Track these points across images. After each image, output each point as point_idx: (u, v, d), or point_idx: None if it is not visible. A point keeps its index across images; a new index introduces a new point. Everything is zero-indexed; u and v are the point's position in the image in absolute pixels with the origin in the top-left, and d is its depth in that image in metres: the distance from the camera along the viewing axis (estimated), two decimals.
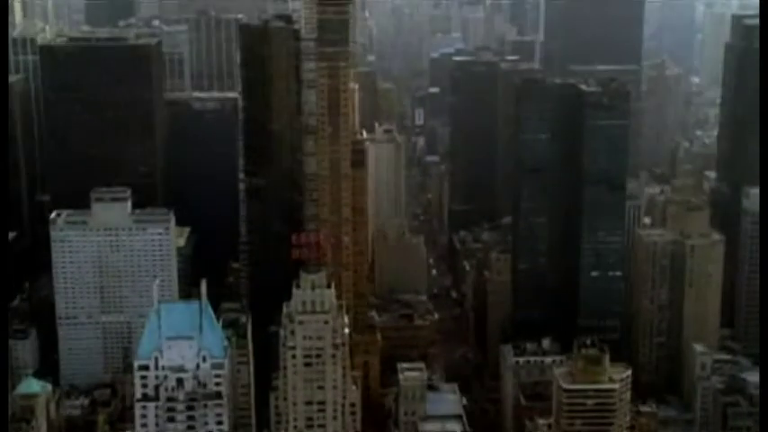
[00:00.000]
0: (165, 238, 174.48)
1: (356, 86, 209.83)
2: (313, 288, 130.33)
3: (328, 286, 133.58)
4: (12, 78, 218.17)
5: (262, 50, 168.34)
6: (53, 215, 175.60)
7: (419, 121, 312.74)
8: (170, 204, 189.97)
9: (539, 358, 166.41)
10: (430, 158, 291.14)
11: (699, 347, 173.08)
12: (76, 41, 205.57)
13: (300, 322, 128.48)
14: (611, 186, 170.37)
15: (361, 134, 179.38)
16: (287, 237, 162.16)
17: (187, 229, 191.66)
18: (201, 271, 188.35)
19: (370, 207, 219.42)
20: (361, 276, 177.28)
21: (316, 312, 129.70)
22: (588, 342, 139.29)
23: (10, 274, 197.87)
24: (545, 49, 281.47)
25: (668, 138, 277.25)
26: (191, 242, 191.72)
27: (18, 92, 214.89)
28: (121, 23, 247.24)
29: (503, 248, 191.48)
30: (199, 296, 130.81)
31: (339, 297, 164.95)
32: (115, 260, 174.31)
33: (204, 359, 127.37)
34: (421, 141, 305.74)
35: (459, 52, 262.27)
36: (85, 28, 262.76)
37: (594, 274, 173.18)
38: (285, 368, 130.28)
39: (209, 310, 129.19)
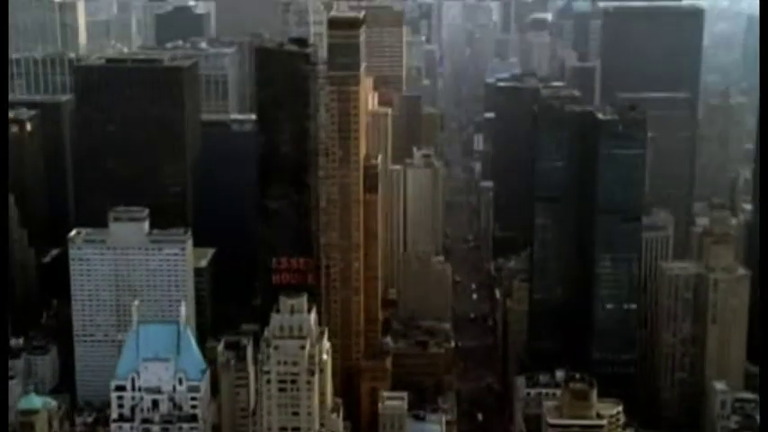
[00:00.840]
0: (180, 258, 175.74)
1: (389, 110, 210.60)
2: (292, 312, 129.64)
3: (312, 311, 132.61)
4: (62, 98, 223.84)
5: (275, 73, 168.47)
6: (73, 233, 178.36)
7: (478, 146, 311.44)
8: (199, 224, 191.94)
9: (550, 390, 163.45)
10: (484, 184, 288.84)
11: (720, 385, 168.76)
12: (112, 62, 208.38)
13: (276, 347, 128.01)
14: (625, 217, 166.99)
15: (375, 158, 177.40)
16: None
17: (212, 250, 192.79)
18: (224, 291, 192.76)
19: (407, 232, 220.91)
20: (373, 301, 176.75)
21: (293, 337, 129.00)
22: (577, 376, 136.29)
23: (39, 292, 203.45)
24: (603, 74, 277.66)
25: (731, 168, 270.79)
26: (214, 262, 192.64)
27: (68, 112, 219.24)
28: (169, 45, 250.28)
29: (524, 277, 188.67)
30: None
31: (347, 322, 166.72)
32: (131, 279, 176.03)
33: (180, 381, 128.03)
34: (478, 166, 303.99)
35: (511, 78, 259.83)
36: (136, 48, 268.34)
37: (609, 306, 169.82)
38: (260, 393, 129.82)
39: (188, 332, 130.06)
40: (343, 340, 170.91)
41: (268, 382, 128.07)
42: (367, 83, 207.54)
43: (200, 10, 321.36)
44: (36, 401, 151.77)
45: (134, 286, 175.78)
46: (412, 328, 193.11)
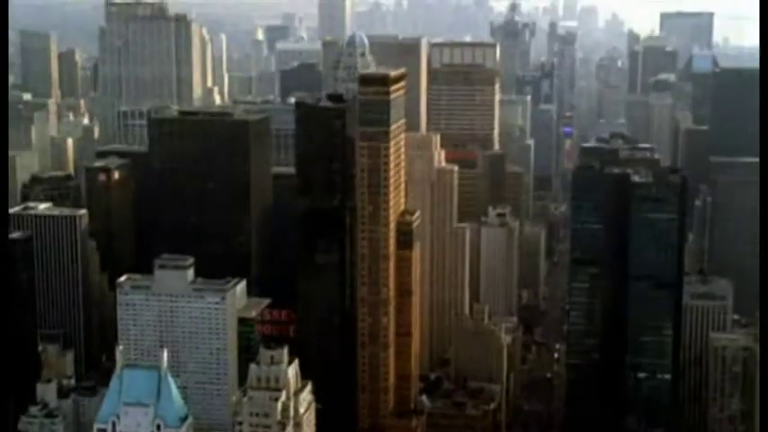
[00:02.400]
0: (221, 307, 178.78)
1: (455, 167, 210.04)
2: (271, 364, 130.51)
3: (293, 363, 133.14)
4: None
5: (312, 129, 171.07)
6: (122, 279, 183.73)
7: (557, 207, 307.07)
8: (262, 275, 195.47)
9: None
10: (561, 246, 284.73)
11: None
12: (186, 115, 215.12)
13: (250, 398, 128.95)
14: (657, 283, 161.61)
15: (412, 215, 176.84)
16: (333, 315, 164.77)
17: (266, 300, 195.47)
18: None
19: (479, 291, 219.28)
20: (406, 358, 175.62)
21: (269, 389, 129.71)
22: None
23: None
24: (712, 137, 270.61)
25: None
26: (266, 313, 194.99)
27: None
28: (260, 99, 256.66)
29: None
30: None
31: (375, 378, 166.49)
32: (174, 326, 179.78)
33: (159, 427, 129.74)
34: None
35: (599, 139, 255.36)
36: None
37: (640, 375, 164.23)
38: None
39: (169, 378, 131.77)
40: (370, 396, 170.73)
41: None
42: (432, 140, 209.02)
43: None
44: None
45: (177, 333, 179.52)
46: (461, 387, 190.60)
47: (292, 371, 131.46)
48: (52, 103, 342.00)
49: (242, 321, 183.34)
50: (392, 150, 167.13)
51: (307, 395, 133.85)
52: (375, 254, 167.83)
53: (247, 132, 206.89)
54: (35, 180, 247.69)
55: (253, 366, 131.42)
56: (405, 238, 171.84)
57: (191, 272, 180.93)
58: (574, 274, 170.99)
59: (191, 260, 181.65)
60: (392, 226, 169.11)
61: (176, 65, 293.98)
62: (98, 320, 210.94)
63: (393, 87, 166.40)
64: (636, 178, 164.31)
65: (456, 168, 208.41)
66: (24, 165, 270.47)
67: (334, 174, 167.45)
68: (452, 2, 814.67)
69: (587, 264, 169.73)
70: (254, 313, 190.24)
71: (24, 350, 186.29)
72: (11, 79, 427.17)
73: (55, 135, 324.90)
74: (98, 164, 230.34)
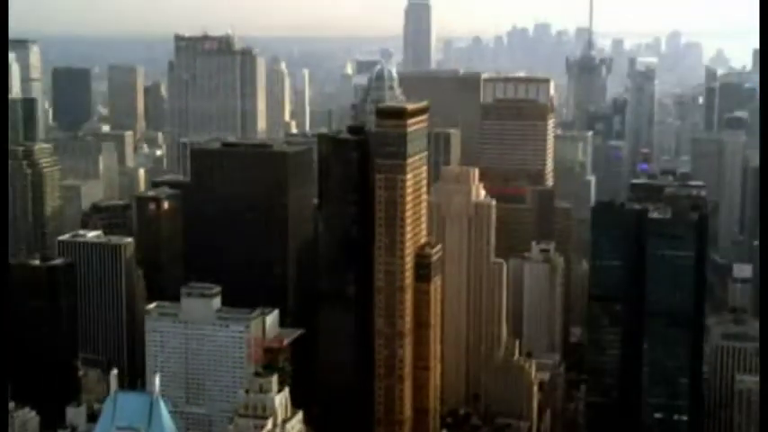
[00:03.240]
0: (245, 336, 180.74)
1: (492, 201, 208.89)
2: (260, 392, 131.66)
3: (283, 391, 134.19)
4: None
5: (333, 160, 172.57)
6: (151, 306, 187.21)
7: None
8: (298, 306, 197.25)
9: None
10: None
11: None
12: (227, 146, 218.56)
13: (236, 425, 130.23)
14: (673, 321, 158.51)
15: (432, 247, 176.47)
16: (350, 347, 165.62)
17: (299, 331, 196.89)
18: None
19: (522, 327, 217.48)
20: (424, 392, 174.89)
21: (255, 416, 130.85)
22: None
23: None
24: None
25: None
26: (297, 343, 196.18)
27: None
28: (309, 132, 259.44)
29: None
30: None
31: (390, 411, 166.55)
32: (200, 353, 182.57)
33: None
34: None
35: (649, 176, 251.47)
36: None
37: (657, 415, 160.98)
38: None
39: (161, 402, 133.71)
40: (386, 429, 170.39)
41: None
42: (470, 174, 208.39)
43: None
44: None
45: (202, 360, 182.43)
46: (488, 423, 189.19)
47: (280, 399, 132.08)
48: (129, 135, 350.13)
49: (269, 351, 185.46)
50: (410, 183, 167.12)
51: (296, 424, 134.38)
52: (391, 286, 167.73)
53: (285, 164, 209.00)
54: (95, 208, 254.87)
55: (241, 393, 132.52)
56: (423, 270, 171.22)
57: (216, 300, 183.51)
58: (592, 310, 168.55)
59: (217, 289, 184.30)
60: (409, 258, 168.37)
61: (241, 98, 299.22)
62: (141, 347, 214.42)
63: (411, 120, 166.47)
64: (654, 215, 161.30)
65: (493, 203, 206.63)
66: (89, 193, 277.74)
67: (350, 205, 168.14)
68: (553, 37, 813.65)
69: (605, 300, 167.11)
70: (285, 342, 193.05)
71: (61, 373, 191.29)
72: (100, 111, 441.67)
73: (131, 165, 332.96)
74: (150, 193, 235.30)
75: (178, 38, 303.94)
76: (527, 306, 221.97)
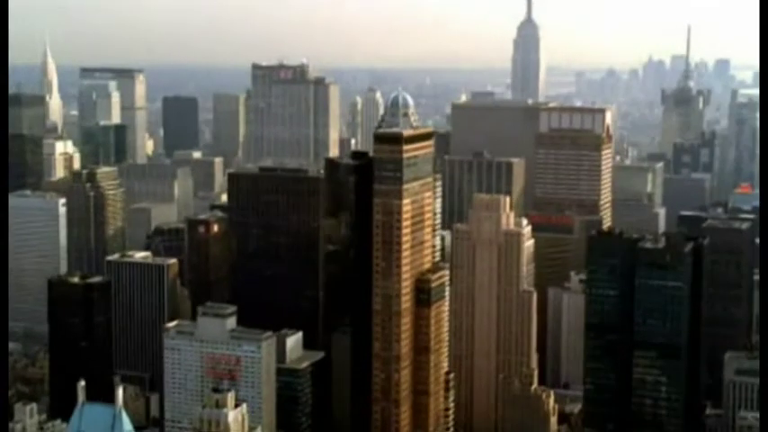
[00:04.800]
0: (256, 355, 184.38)
1: (524, 230, 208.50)
2: (216, 407, 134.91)
3: (241, 407, 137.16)
4: None
5: (332, 184, 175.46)
6: (170, 324, 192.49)
7: None
8: (327, 328, 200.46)
9: None
10: None
11: None
12: (264, 171, 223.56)
13: None
14: (662, 353, 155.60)
15: (434, 273, 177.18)
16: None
17: (321, 353, 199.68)
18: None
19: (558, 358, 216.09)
20: (423, 416, 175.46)
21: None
22: None
23: None
24: None
25: None
26: (318, 366, 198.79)
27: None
28: None
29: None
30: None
31: None
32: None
33: None
34: None
35: (699, 208, 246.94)
36: None
37: None
38: None
39: (123, 414, 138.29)
40: None
41: None
42: (501, 202, 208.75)
43: None
44: None
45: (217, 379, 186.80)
46: None
47: (235, 415, 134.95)
48: (219, 162, 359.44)
49: (287, 372, 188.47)
50: (409, 208, 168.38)
51: None
52: (388, 310, 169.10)
53: (318, 188, 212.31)
54: (157, 231, 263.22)
55: (199, 410, 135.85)
56: (424, 295, 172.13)
57: (231, 320, 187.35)
58: (587, 339, 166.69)
59: (232, 309, 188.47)
60: (408, 283, 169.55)
61: (314, 125, 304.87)
62: None
63: (411, 146, 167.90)
64: (647, 244, 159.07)
65: (525, 231, 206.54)
66: (159, 216, 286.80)
67: (348, 229, 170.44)
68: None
69: (600, 329, 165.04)
70: (304, 365, 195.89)
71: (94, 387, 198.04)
72: (205, 137, 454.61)
73: (218, 191, 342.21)
74: (202, 217, 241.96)
75: (255, 67, 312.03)
76: (564, 336, 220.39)
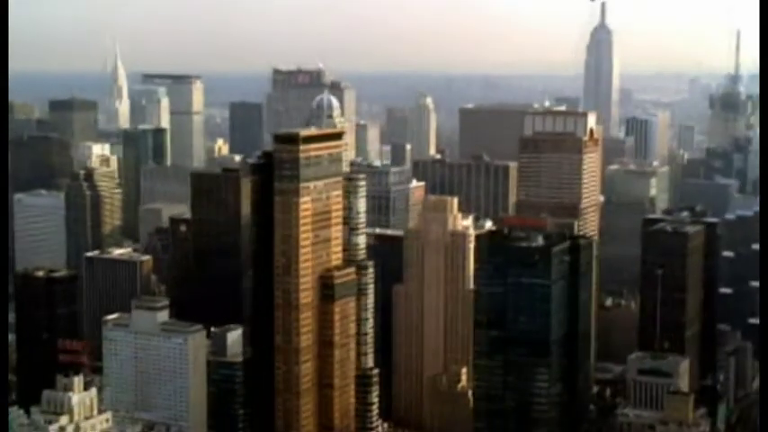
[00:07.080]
0: (183, 348, 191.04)
1: (469, 231, 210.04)
2: (64, 390, 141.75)
3: (90, 390, 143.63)
4: None
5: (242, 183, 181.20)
6: (108, 317, 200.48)
7: None
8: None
9: None
10: None
11: None
12: (227, 171, 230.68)
13: (32, 420, 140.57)
14: (531, 350, 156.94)
15: (340, 270, 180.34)
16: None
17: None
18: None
19: None
20: (327, 409, 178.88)
21: (56, 413, 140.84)
22: None
23: None
24: None
25: None
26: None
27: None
28: None
29: None
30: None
31: (289, 426, 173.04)
32: (147, 363, 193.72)
33: None
34: None
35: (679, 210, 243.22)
36: None
37: None
38: None
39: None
40: None
41: None
42: (448, 203, 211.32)
43: None
44: None
45: (148, 370, 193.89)
46: None
47: (79, 398, 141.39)
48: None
49: (223, 365, 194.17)
50: (310, 206, 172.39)
51: (100, 423, 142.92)
52: (288, 305, 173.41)
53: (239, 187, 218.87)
54: (158, 230, 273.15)
55: (45, 392, 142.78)
56: (328, 291, 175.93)
57: (162, 313, 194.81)
58: (477, 336, 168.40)
59: (164, 302, 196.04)
60: (308, 279, 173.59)
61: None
62: None
63: (310, 146, 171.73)
64: (525, 243, 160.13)
65: (470, 233, 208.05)
66: (169, 214, 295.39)
67: (248, 227, 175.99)
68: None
69: (487, 326, 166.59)
70: (240, 358, 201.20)
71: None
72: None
73: None
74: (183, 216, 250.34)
75: (276, 72, 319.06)
76: None
